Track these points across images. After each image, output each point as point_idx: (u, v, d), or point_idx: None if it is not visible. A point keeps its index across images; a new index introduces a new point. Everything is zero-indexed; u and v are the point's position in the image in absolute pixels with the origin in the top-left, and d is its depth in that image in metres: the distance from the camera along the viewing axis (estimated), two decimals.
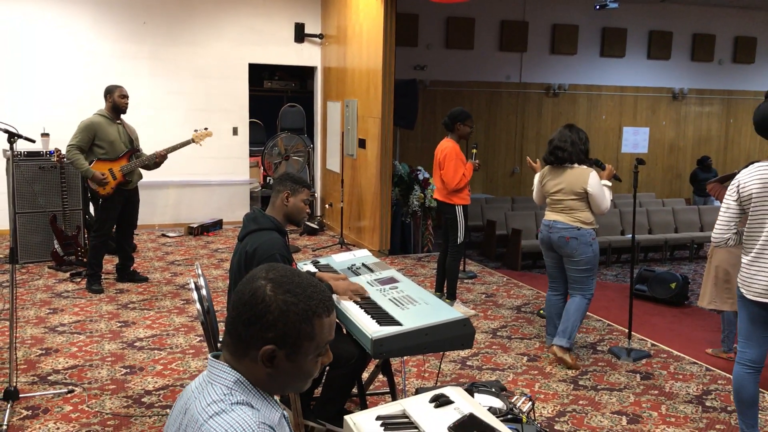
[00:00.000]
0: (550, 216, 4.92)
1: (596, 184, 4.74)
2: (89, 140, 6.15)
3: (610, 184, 4.90)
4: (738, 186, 3.43)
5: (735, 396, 3.58)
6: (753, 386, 3.51)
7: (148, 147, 6.59)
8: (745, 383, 3.51)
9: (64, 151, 6.75)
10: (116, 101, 6.24)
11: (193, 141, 6.57)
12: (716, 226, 3.56)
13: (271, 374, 1.40)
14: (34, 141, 7.38)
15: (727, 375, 4.74)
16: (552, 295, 5.09)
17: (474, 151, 6.26)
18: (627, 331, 5.21)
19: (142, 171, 6.55)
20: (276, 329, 1.36)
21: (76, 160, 6.12)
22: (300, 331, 1.37)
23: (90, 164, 6.13)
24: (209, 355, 1.46)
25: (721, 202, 5.24)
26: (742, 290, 3.45)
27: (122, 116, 6.38)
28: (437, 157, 6.06)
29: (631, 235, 5.39)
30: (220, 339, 3.10)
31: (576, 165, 4.80)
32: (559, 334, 4.84)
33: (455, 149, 5.93)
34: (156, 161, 6.40)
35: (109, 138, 6.19)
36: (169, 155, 6.47)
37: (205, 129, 6.69)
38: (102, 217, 6.31)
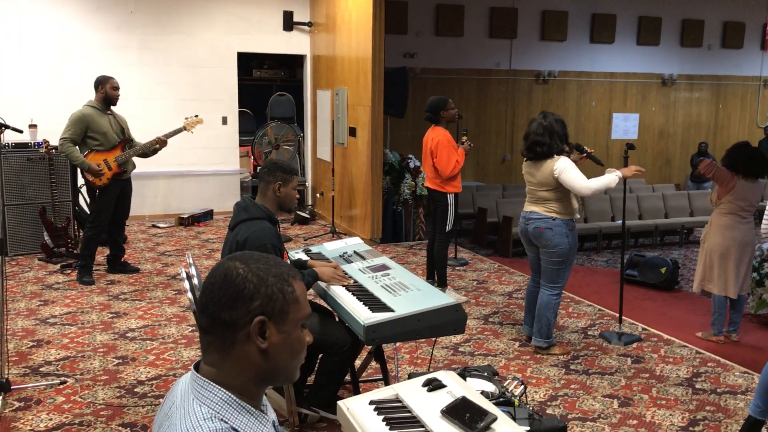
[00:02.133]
0: (527, 207, 4.78)
1: (563, 167, 4.49)
2: (82, 132, 6.13)
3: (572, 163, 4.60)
4: None
5: (762, 381, 3.48)
6: None
7: (137, 138, 6.56)
8: None
9: (52, 143, 6.71)
10: (108, 93, 6.22)
11: (185, 129, 6.55)
12: (765, 218, 3.48)
13: (266, 354, 1.34)
14: (21, 131, 7.31)
15: (717, 357, 4.79)
16: (533, 285, 5.00)
17: (464, 138, 6.21)
18: (618, 315, 5.24)
19: (135, 160, 6.53)
20: (260, 296, 1.33)
21: (70, 152, 6.10)
22: (284, 293, 1.35)
23: (85, 155, 6.12)
24: (191, 368, 1.40)
25: (711, 179, 5.27)
26: None
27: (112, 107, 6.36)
28: (427, 145, 6.02)
29: (621, 221, 5.41)
30: None
31: (555, 156, 4.57)
32: (535, 335, 4.80)
33: (446, 136, 5.91)
34: (156, 147, 6.41)
35: (101, 129, 6.17)
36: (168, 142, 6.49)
37: (196, 116, 6.66)
38: (99, 208, 6.29)
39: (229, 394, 1.33)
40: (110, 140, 6.22)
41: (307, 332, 1.42)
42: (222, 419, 1.30)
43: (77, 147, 6.13)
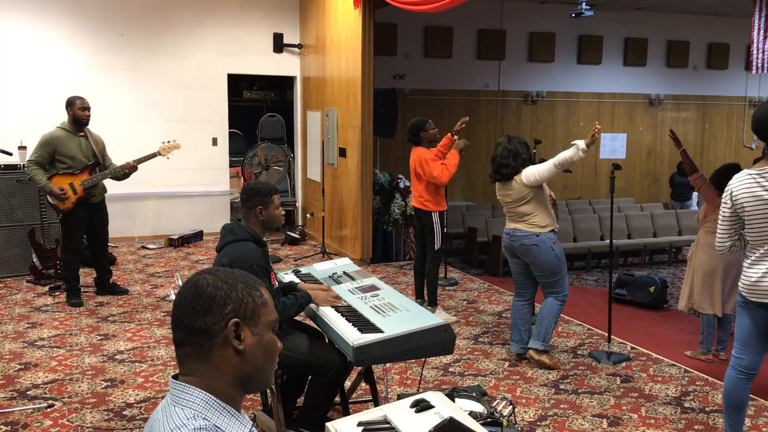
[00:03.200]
0: (509, 224, 4.99)
1: (529, 173, 4.79)
2: (49, 155, 6.06)
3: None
4: (731, 194, 3.40)
5: (725, 400, 3.54)
6: (744, 392, 3.48)
7: (127, 159, 6.49)
8: (736, 389, 3.47)
9: None
10: (76, 113, 6.12)
11: (159, 154, 6.45)
12: (717, 235, 3.51)
13: (243, 356, 1.39)
14: (11, 154, 7.30)
15: (705, 376, 4.81)
16: (517, 301, 5.10)
17: (455, 137, 6.19)
18: (607, 334, 5.26)
19: (111, 182, 6.42)
20: (232, 300, 1.40)
21: (34, 175, 6.03)
22: (253, 297, 1.43)
23: (50, 178, 6.03)
24: (170, 378, 1.45)
25: (697, 192, 5.32)
26: (745, 293, 3.38)
27: (89, 127, 6.26)
28: (413, 166, 6.09)
29: (609, 240, 5.45)
30: None
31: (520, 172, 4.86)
32: (534, 337, 4.91)
33: (426, 153, 5.96)
34: (126, 172, 6.28)
35: (69, 152, 6.08)
36: (138, 167, 6.37)
37: (173, 141, 6.59)
38: (68, 232, 6.20)
39: (209, 395, 1.38)
40: (78, 163, 6.12)
41: (276, 338, 1.48)
42: (204, 418, 1.35)
43: (43, 169, 6.04)
